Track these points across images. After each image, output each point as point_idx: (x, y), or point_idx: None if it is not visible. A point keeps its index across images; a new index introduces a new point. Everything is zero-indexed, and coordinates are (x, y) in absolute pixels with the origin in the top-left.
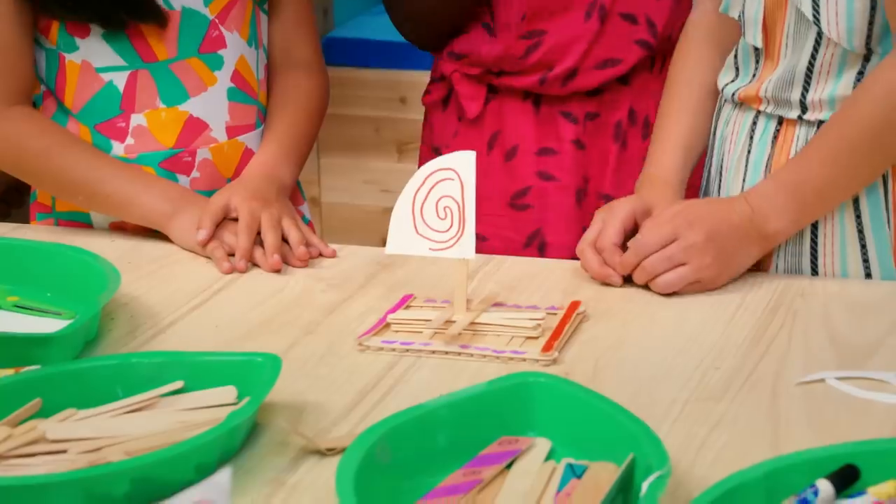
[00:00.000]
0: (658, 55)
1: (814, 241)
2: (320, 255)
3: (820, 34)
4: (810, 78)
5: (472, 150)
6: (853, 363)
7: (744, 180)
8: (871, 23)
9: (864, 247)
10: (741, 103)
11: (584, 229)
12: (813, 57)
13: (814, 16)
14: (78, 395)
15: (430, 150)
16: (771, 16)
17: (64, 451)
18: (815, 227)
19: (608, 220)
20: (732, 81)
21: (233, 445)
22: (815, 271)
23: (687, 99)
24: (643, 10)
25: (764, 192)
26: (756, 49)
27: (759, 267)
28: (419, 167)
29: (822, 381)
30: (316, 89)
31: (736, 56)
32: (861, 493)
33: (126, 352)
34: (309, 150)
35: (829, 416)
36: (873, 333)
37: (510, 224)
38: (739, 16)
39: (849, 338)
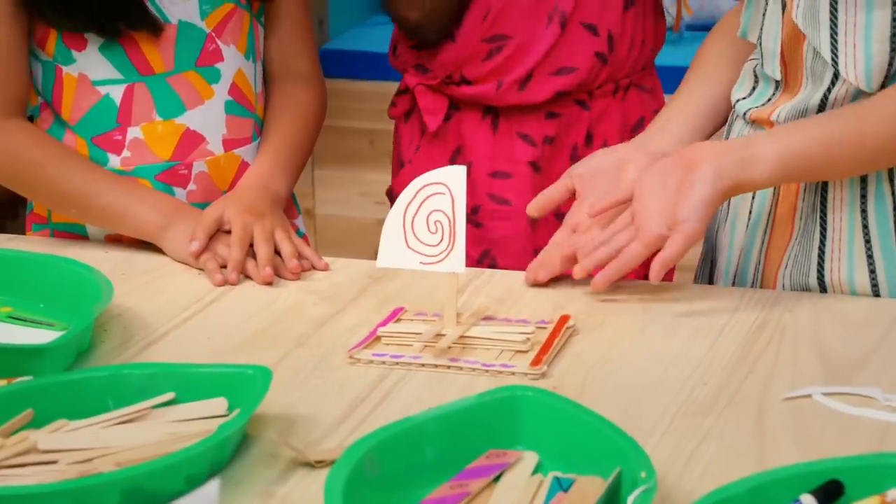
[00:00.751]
0: (621, 81)
1: (821, 259)
2: (313, 267)
3: (836, 73)
4: (823, 109)
5: (435, 163)
6: (840, 379)
7: (753, 195)
8: (890, 64)
9: (872, 271)
10: (752, 122)
11: (536, 251)
12: (829, 90)
13: (832, 59)
14: (69, 406)
15: (398, 163)
16: (789, 50)
17: (55, 462)
18: (822, 243)
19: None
20: (745, 98)
21: (223, 457)
22: (823, 289)
23: (699, 77)
24: (606, 23)
25: (756, 161)
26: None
27: (766, 281)
28: (391, 181)
29: (809, 396)
30: (313, 101)
31: (755, 75)
32: None
33: (118, 363)
34: (304, 162)
35: (815, 431)
36: (861, 349)
37: (468, 239)
38: (759, 44)
39: (836, 354)
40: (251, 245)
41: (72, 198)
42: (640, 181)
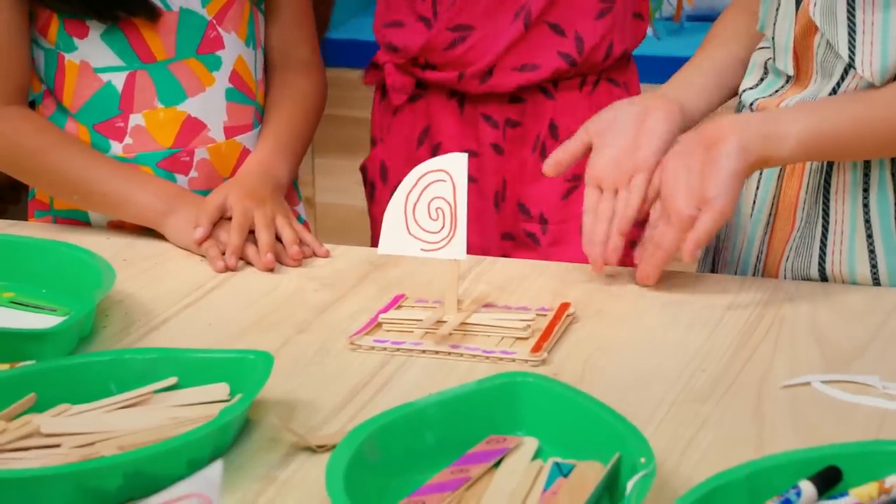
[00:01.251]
0: (589, 77)
1: (822, 250)
2: (314, 254)
3: (847, 68)
4: None
5: (404, 142)
6: (839, 367)
7: (758, 183)
8: None
9: (874, 266)
10: (759, 111)
11: (502, 234)
12: (838, 84)
13: (849, 55)
14: (72, 391)
15: (372, 141)
16: (801, 44)
17: (58, 446)
18: (824, 235)
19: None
20: (752, 88)
21: (224, 441)
22: (824, 280)
23: (718, 41)
24: (574, 25)
25: (780, 138)
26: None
27: (767, 272)
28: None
29: (808, 384)
30: (314, 88)
31: (766, 67)
32: (843, 494)
33: (120, 348)
34: (305, 148)
35: (813, 418)
36: (859, 338)
37: None
38: (771, 39)
39: (835, 342)
40: (252, 231)
41: (73, 184)
42: (664, 167)
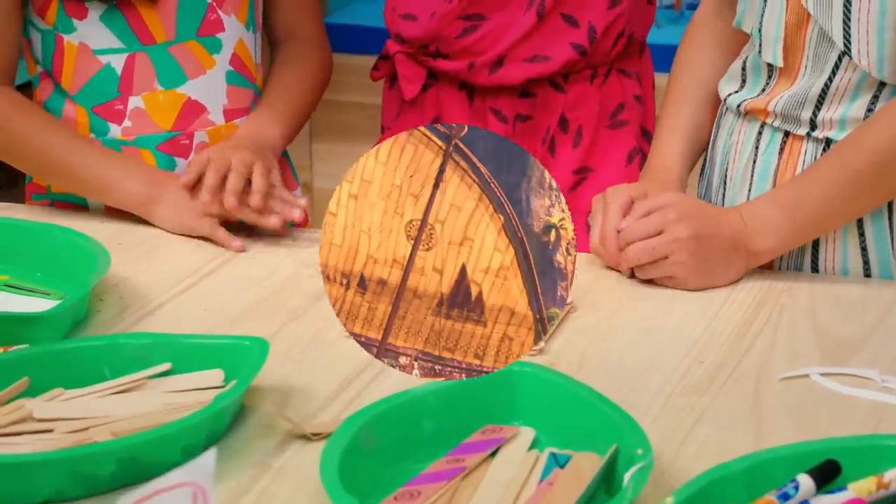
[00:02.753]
0: (600, 68)
1: (815, 243)
2: (292, 205)
3: (840, 57)
4: (824, 99)
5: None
6: (837, 360)
7: (749, 190)
8: None
9: (866, 262)
10: (746, 113)
11: None
12: (830, 79)
13: (845, 44)
14: (65, 375)
15: (381, 128)
16: (791, 35)
17: (50, 431)
18: None
19: (607, 208)
20: (737, 92)
21: (219, 428)
22: (815, 271)
23: (688, 94)
24: (587, 15)
25: (759, 208)
26: (769, 64)
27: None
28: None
29: (806, 376)
30: (317, 61)
31: (744, 68)
32: (842, 488)
33: (114, 333)
34: (303, 117)
35: (811, 411)
36: (858, 330)
37: None
38: (756, 32)
39: (834, 334)
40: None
41: (56, 168)
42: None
